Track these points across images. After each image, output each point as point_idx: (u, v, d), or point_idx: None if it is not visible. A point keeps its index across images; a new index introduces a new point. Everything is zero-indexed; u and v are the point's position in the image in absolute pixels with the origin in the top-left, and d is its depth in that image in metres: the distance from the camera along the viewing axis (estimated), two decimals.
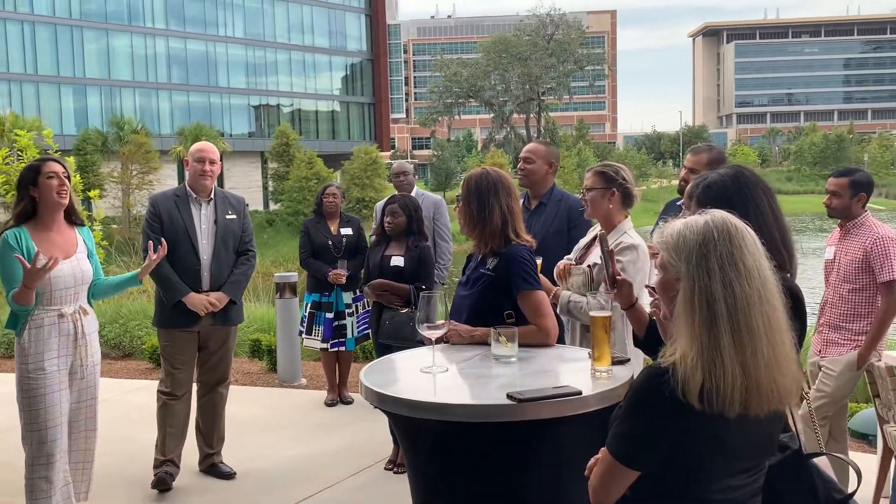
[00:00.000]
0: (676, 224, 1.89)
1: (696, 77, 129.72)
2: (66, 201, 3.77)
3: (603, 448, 1.88)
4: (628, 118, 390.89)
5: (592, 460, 1.94)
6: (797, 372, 1.85)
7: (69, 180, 3.80)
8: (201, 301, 4.55)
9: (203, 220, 4.65)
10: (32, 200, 3.72)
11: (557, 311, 3.50)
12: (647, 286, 2.67)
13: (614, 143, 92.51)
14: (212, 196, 4.71)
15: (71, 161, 13.79)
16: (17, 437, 3.77)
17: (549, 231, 4.28)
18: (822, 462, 2.12)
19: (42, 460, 3.66)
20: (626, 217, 3.62)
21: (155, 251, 3.93)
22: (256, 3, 51.76)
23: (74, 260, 3.78)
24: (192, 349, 4.70)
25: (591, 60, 77.55)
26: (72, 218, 3.86)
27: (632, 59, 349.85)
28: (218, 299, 4.59)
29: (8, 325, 3.76)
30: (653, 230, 3.99)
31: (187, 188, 4.69)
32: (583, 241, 3.77)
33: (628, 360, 2.87)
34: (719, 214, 1.87)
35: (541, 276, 3.52)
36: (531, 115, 75.93)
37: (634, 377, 2.64)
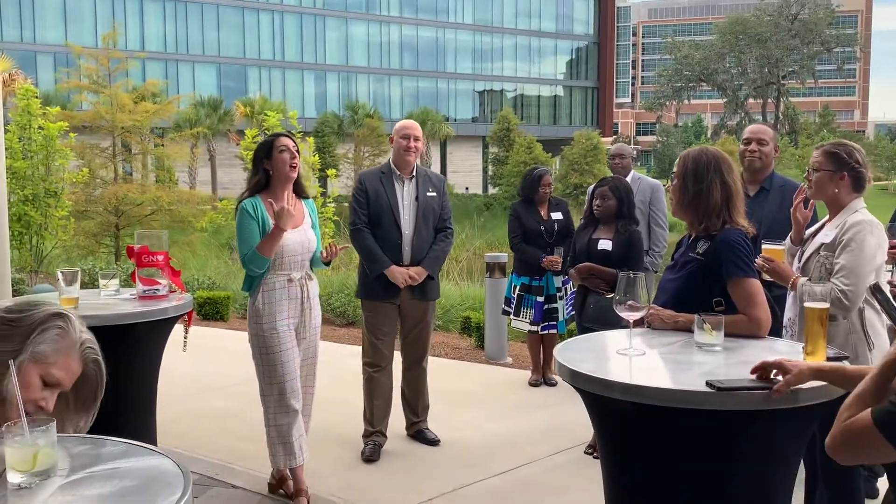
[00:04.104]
0: None
1: None
2: (296, 174, 4.04)
3: (868, 410, 1.70)
4: (882, 105, 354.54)
5: (848, 411, 1.75)
6: None
7: (299, 155, 4.08)
8: (402, 274, 4.67)
9: (405, 197, 4.78)
10: (266, 173, 4.01)
11: (798, 297, 3.29)
12: None
13: (863, 131, 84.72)
14: (414, 173, 4.83)
15: (311, 142, 14.73)
16: (249, 390, 4.09)
17: (778, 217, 4.03)
18: None
19: (284, 409, 3.97)
20: (858, 198, 3.32)
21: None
22: None
23: (302, 230, 4.03)
24: (393, 321, 4.86)
25: (840, 42, 71.41)
26: (299, 190, 4.14)
27: (889, 39, 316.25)
28: (417, 273, 4.71)
29: (244, 287, 4.12)
30: (890, 224, 3.65)
31: (391, 165, 4.85)
32: (811, 230, 3.51)
33: (846, 356, 2.64)
34: None
35: (782, 262, 3.34)
36: (769, 101, 71.29)
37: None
